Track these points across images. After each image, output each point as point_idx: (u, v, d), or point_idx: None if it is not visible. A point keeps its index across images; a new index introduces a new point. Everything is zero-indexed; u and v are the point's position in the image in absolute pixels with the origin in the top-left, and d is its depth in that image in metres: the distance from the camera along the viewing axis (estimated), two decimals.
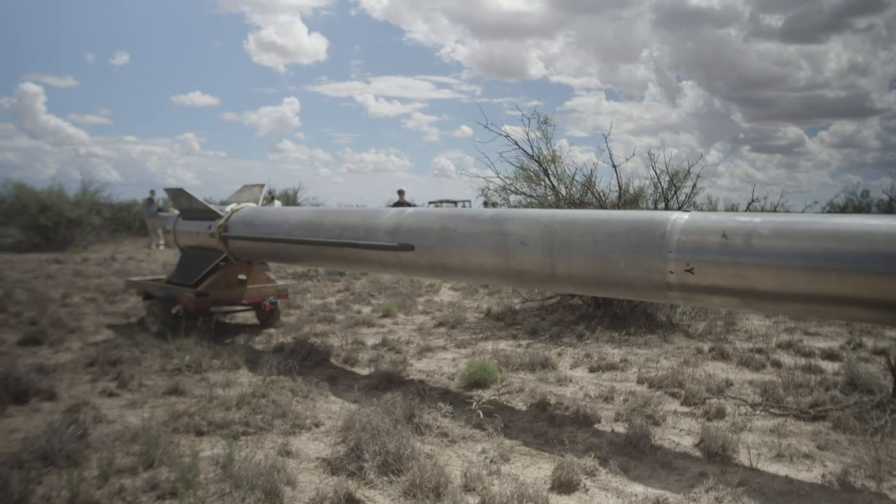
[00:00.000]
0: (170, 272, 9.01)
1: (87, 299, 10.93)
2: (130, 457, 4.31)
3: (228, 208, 8.51)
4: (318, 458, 4.45)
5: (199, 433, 4.85)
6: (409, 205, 19.14)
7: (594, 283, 5.04)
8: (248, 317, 9.61)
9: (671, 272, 4.49)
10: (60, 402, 5.54)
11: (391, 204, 19.38)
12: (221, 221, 8.29)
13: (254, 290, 8.69)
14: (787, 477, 4.26)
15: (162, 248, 21.82)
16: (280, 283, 9.50)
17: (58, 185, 22.78)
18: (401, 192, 19.44)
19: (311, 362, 6.99)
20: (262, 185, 9.56)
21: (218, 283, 8.41)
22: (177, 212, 9.35)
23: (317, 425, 5.11)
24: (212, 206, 8.63)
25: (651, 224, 4.71)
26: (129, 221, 26.01)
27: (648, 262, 4.60)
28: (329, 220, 7.01)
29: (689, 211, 4.66)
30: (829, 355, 7.65)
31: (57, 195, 22.05)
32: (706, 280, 4.37)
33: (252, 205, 8.72)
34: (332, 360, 7.21)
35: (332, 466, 4.28)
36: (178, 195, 8.97)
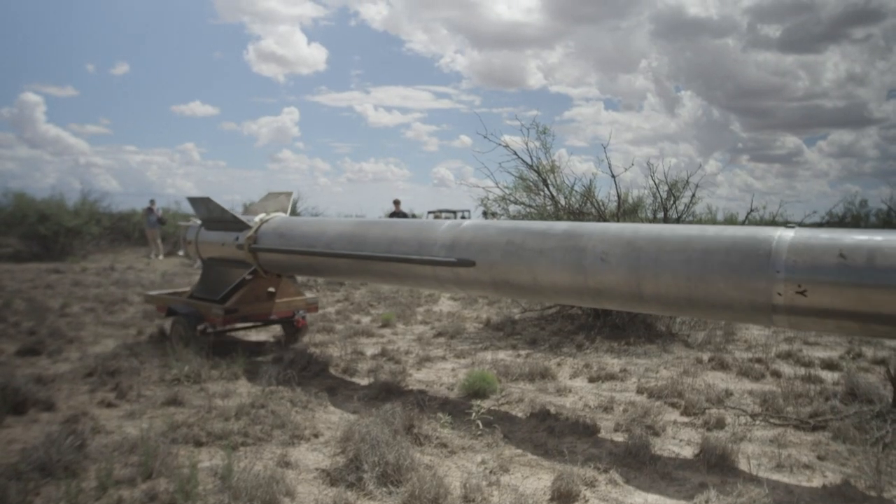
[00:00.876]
0: (193, 286, 8.51)
1: (87, 309, 10.92)
2: (129, 468, 4.30)
3: (257, 218, 8.03)
4: (317, 469, 4.44)
5: (198, 444, 4.83)
6: (405, 215, 19.13)
7: (686, 304, 4.69)
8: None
9: (779, 294, 4.21)
10: (59, 413, 5.52)
11: (387, 214, 19.37)
12: (250, 233, 7.78)
13: (283, 304, 8.23)
14: (787, 487, 4.25)
15: (161, 258, 21.82)
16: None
17: (57, 195, 22.86)
18: (397, 203, 19.43)
19: (310, 372, 6.98)
20: (289, 193, 8.94)
21: (246, 298, 7.94)
22: (198, 221, 8.88)
23: (316, 436, 5.10)
24: (240, 216, 8.13)
25: (754, 242, 4.40)
26: (128, 231, 25.99)
27: (752, 283, 4.30)
28: (375, 233, 6.56)
29: (792, 227, 4.38)
30: (829, 365, 7.65)
31: (56, 205, 22.07)
32: (821, 303, 4.10)
33: (282, 214, 8.23)
34: (332, 371, 7.20)
35: (331, 477, 4.27)
36: (201, 204, 8.44)
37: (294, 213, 32.17)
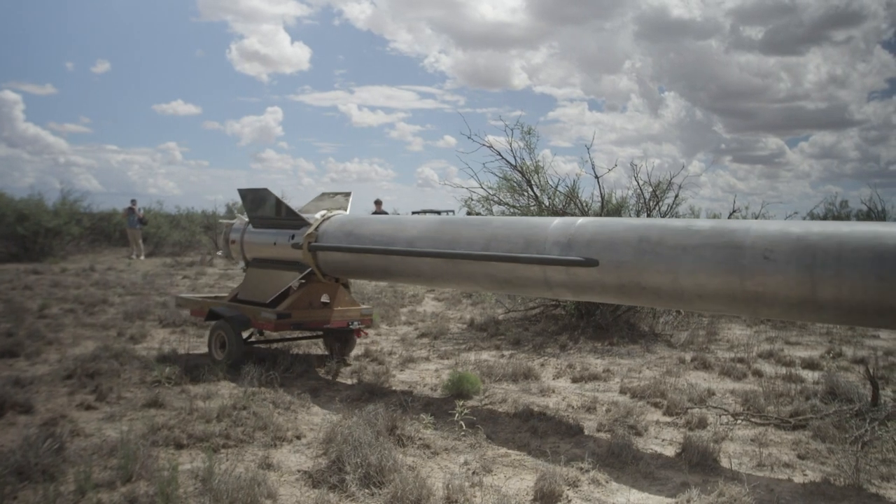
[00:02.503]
0: (234, 290, 7.86)
1: (66, 310, 10.80)
2: (108, 471, 4.24)
3: (318, 215, 7.32)
4: (299, 471, 4.41)
5: (179, 446, 4.78)
6: (386, 214, 19.05)
7: (875, 311, 4.06)
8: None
9: None
10: (37, 416, 5.44)
11: (370, 213, 19.25)
12: (310, 230, 7.10)
13: (338, 314, 7.44)
14: (768, 485, 4.28)
15: (143, 258, 21.63)
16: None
17: (36, 195, 22.58)
18: (378, 203, 19.34)
19: (292, 374, 6.93)
20: (347, 194, 8.14)
21: (299, 304, 7.24)
22: (245, 218, 8.10)
23: (298, 437, 5.07)
24: (300, 213, 7.46)
25: None
26: (109, 231, 25.75)
27: None
28: (469, 231, 5.92)
29: None
30: (810, 364, 7.72)
31: (35, 204, 21.80)
32: None
33: (343, 212, 7.56)
34: (315, 372, 7.16)
35: (313, 479, 4.24)
36: (255, 197, 7.65)
37: None
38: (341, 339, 7.86)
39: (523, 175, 10.80)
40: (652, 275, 4.78)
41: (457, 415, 5.15)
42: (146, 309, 10.47)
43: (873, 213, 21.55)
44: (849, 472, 4.38)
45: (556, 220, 5.48)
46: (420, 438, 4.94)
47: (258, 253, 7.78)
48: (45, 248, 20.97)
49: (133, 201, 22.35)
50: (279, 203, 7.47)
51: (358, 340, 8.10)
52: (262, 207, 7.62)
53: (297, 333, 7.92)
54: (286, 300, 7.20)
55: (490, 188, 11.29)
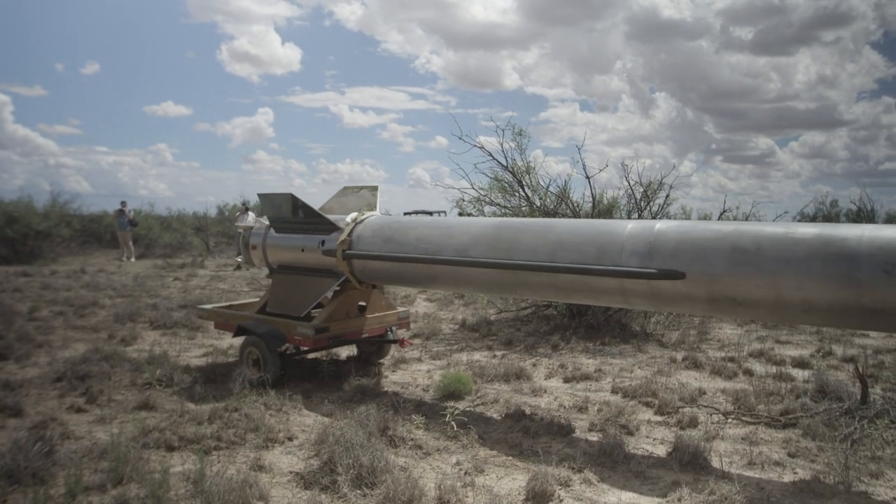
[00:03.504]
0: (261, 300, 7.36)
1: (56, 313, 10.74)
2: (99, 474, 4.23)
3: (349, 218, 6.74)
4: (291, 473, 4.41)
5: (170, 448, 4.78)
6: None
7: None
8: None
9: None
10: (27, 419, 5.42)
11: None
12: (343, 236, 6.52)
13: (375, 321, 7.03)
14: (758, 483, 4.30)
15: (133, 260, 21.53)
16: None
17: (26, 197, 22.43)
18: None
19: (284, 375, 6.92)
20: (374, 188, 7.56)
21: (337, 314, 6.77)
22: (265, 222, 7.51)
23: (290, 439, 5.07)
24: (328, 217, 6.87)
25: None
26: (99, 233, 25.61)
27: None
28: (530, 237, 5.33)
29: None
30: (800, 363, 7.76)
31: (25, 206, 21.68)
32: None
33: (377, 214, 6.99)
34: (306, 373, 7.14)
35: (305, 480, 4.24)
36: (278, 202, 7.06)
37: None
38: (375, 342, 7.45)
39: (514, 175, 10.82)
40: (749, 288, 4.31)
41: (448, 415, 5.16)
42: (137, 311, 10.43)
43: (863, 213, 21.69)
44: (838, 469, 4.41)
45: (631, 225, 4.96)
46: (412, 439, 4.94)
47: (284, 259, 7.22)
48: (35, 250, 20.86)
49: (123, 203, 22.23)
50: (305, 207, 6.86)
51: (404, 350, 7.58)
52: (286, 211, 7.01)
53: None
54: (322, 312, 6.78)
55: (481, 189, 11.30)
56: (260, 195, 7.36)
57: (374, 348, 7.56)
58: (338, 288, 6.79)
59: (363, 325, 6.89)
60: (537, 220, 5.86)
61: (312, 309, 6.82)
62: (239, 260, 7.84)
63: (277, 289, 7.13)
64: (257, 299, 8.22)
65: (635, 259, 4.71)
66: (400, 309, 7.41)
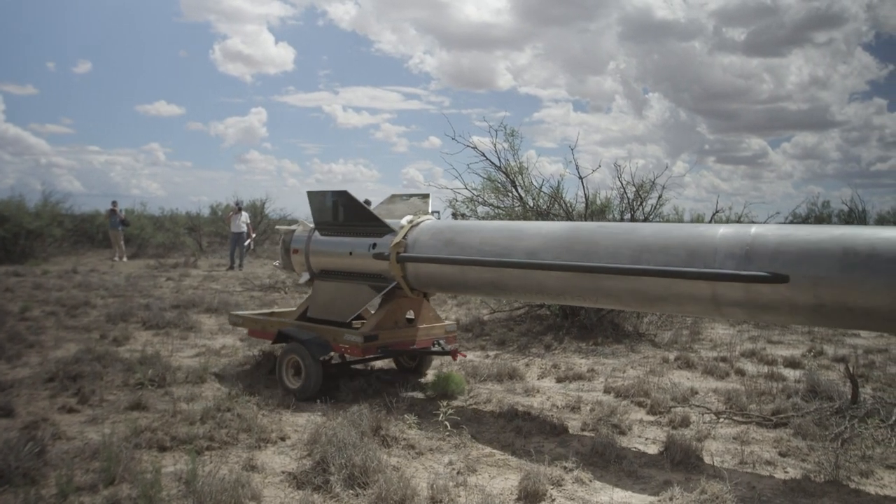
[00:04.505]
0: (300, 306, 7.00)
1: (48, 313, 10.69)
2: (90, 474, 4.21)
3: (404, 221, 6.40)
4: (283, 473, 4.40)
5: (162, 449, 4.76)
6: None
7: None
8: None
9: None
10: (18, 419, 5.39)
11: None
12: (398, 238, 6.16)
13: (423, 332, 6.59)
14: (749, 483, 4.32)
15: (125, 260, 21.46)
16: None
17: (17, 196, 22.29)
18: (367, 203, 19.17)
19: (277, 375, 6.91)
20: (425, 196, 7.22)
21: (386, 323, 6.40)
22: (309, 224, 7.11)
23: (283, 439, 5.06)
24: (383, 218, 6.52)
25: None
26: (91, 233, 25.53)
27: None
28: (610, 240, 5.00)
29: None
30: (791, 363, 7.80)
31: (16, 206, 21.56)
32: None
33: (431, 218, 6.64)
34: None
35: (297, 480, 4.24)
36: (327, 200, 6.63)
37: (262, 214, 30.95)
38: (418, 355, 7.04)
39: (507, 176, 10.84)
40: (866, 295, 3.96)
41: (441, 415, 5.15)
42: (129, 311, 10.39)
43: (854, 214, 21.81)
44: (829, 468, 4.43)
45: (724, 228, 4.66)
46: (405, 439, 4.94)
47: (328, 264, 6.84)
48: (27, 250, 20.77)
49: (114, 202, 22.16)
50: (359, 207, 6.49)
51: (455, 362, 7.14)
52: (335, 212, 6.63)
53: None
54: (370, 319, 6.44)
55: (474, 189, 11.32)
56: (309, 193, 6.82)
57: (415, 363, 7.18)
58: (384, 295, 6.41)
59: (412, 336, 6.49)
60: (617, 224, 5.59)
61: (353, 320, 6.58)
62: (277, 265, 7.22)
63: (320, 295, 6.78)
64: (289, 308, 8.04)
65: (731, 262, 4.37)
66: (447, 321, 7.02)
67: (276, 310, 7.89)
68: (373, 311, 6.69)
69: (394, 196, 7.50)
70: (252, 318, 7.25)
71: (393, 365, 7.43)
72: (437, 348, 6.62)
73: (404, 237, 6.15)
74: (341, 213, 6.62)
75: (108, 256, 22.24)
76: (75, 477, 4.09)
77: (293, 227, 7.38)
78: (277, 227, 7.84)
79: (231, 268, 19.40)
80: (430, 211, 6.86)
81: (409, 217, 6.45)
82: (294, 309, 7.59)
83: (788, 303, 4.23)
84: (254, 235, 22.01)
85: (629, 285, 4.83)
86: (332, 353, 6.37)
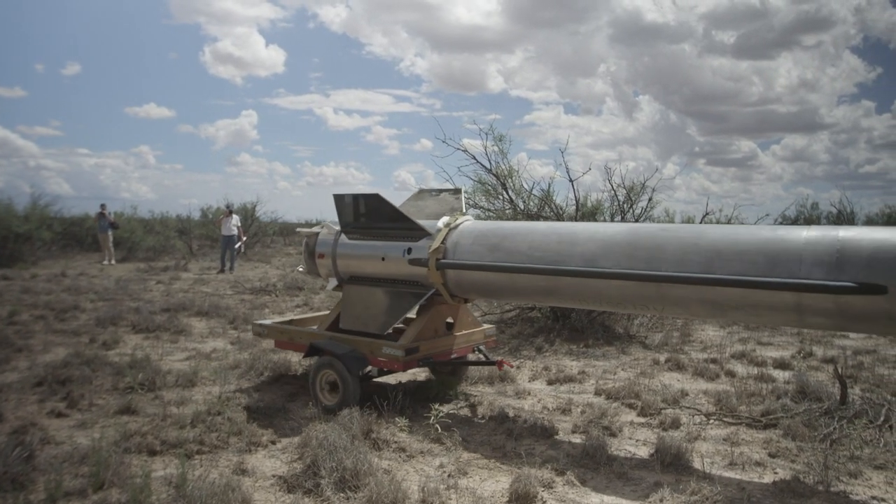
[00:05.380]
0: (333, 314, 6.53)
1: (36, 317, 10.63)
2: (79, 479, 4.20)
3: (441, 223, 5.94)
4: (274, 476, 4.39)
5: (152, 453, 4.74)
6: None
7: None
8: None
9: None
10: (6, 424, 5.36)
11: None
12: (437, 242, 5.73)
13: (463, 339, 6.29)
14: (739, 484, 4.34)
15: (114, 263, 21.34)
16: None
17: (6, 199, 22.15)
18: None
19: (268, 378, 6.90)
20: (457, 191, 6.83)
21: (426, 332, 6.04)
22: (334, 227, 6.63)
23: (273, 442, 5.05)
24: (417, 221, 6.04)
25: None
26: (81, 236, 25.39)
27: None
28: (676, 244, 4.62)
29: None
30: (781, 364, 7.84)
31: (5, 209, 21.41)
32: None
33: (469, 218, 6.19)
34: (290, 376, 7.12)
35: (288, 484, 4.23)
36: (356, 203, 6.22)
37: (253, 217, 30.81)
38: (461, 364, 6.71)
39: (498, 178, 10.85)
40: None
41: (432, 418, 5.16)
42: (119, 315, 10.33)
43: (843, 216, 21.94)
44: (818, 469, 4.46)
45: (807, 231, 4.29)
46: (395, 442, 4.94)
47: (358, 269, 6.39)
48: (15, 253, 20.61)
49: (103, 205, 22.02)
50: (392, 209, 6.07)
51: (501, 372, 6.77)
52: (365, 215, 6.23)
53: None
54: (409, 329, 6.03)
55: (465, 192, 11.32)
56: (335, 196, 6.33)
57: (449, 369, 6.81)
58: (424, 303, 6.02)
59: (452, 345, 6.16)
60: (682, 226, 5.13)
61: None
62: (300, 269, 7.19)
63: (351, 303, 6.29)
64: (314, 314, 7.84)
65: (818, 270, 4.03)
66: (486, 326, 6.70)
67: (301, 316, 7.53)
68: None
69: (422, 191, 7.11)
70: (278, 329, 6.78)
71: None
72: (477, 356, 6.34)
73: (443, 241, 5.75)
74: (371, 215, 6.19)
75: (98, 260, 22.11)
76: (64, 482, 4.07)
77: (315, 229, 6.95)
78: (298, 229, 7.37)
79: (222, 271, 19.33)
80: (464, 209, 6.39)
81: (445, 219, 6.01)
82: (318, 314, 7.44)
83: (885, 315, 3.93)
84: (244, 238, 21.95)
85: (700, 294, 4.48)
86: (371, 367, 5.97)
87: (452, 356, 6.20)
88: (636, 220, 10.57)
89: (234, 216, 20.26)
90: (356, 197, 6.24)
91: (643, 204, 10.75)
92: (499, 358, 6.34)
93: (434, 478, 4.29)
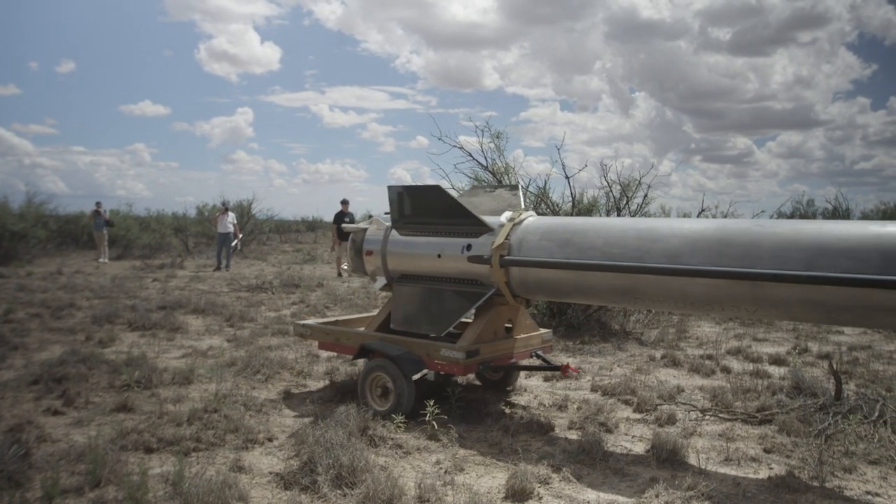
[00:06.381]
0: (382, 314, 6.27)
1: (32, 315, 10.61)
2: (76, 476, 4.19)
3: (504, 218, 5.60)
4: (271, 473, 4.40)
5: (149, 450, 4.74)
6: (351, 217, 18.61)
7: None
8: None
9: None
10: (2, 422, 5.35)
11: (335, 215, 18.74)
12: (500, 238, 5.37)
13: (522, 343, 5.98)
14: (734, 479, 4.35)
15: (106, 261, 21.28)
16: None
17: (1, 197, 22.12)
18: (345, 203, 18.85)
19: (264, 375, 6.90)
20: (514, 187, 6.42)
21: (486, 335, 5.71)
22: (385, 222, 6.29)
23: (270, 440, 5.05)
24: (479, 216, 5.65)
25: None
26: (76, 234, 25.35)
27: None
28: (772, 240, 4.18)
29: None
30: (776, 360, 7.87)
31: (0, 207, 21.38)
32: None
33: (533, 214, 5.76)
34: (287, 373, 7.13)
35: (285, 481, 4.24)
36: (411, 195, 5.97)
37: (249, 215, 30.72)
38: (520, 369, 6.36)
39: (494, 176, 10.86)
40: None
41: (428, 414, 5.17)
42: (115, 312, 10.32)
43: (839, 212, 22.01)
44: (812, 464, 4.48)
45: None
46: (392, 438, 4.95)
47: (410, 267, 6.03)
48: (11, 251, 20.56)
49: (98, 203, 21.98)
50: (452, 203, 5.69)
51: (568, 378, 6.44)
52: (420, 208, 5.93)
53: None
54: (468, 331, 5.69)
55: (462, 189, 11.33)
56: (389, 188, 6.05)
57: (500, 374, 6.46)
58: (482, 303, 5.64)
59: (513, 349, 5.88)
60: (777, 221, 4.85)
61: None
62: (345, 268, 7.04)
63: (403, 303, 5.99)
64: (358, 314, 7.65)
65: None
66: (543, 330, 6.33)
67: (345, 317, 7.20)
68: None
69: (475, 188, 6.68)
70: (323, 330, 6.44)
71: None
72: (536, 360, 6.05)
73: (507, 237, 5.43)
74: (428, 209, 5.88)
75: (93, 258, 22.08)
76: (61, 479, 4.07)
77: (363, 224, 6.63)
78: (344, 226, 6.99)
79: (218, 268, 19.31)
80: (522, 204, 5.98)
81: (508, 213, 5.65)
82: (362, 315, 7.22)
83: None
84: (241, 236, 21.92)
85: (802, 295, 4.07)
86: (427, 371, 5.62)
87: (512, 361, 5.90)
88: (632, 217, 10.59)
89: (230, 214, 20.23)
90: (413, 189, 6.01)
91: (638, 201, 10.79)
92: (564, 362, 5.98)
93: (430, 474, 4.30)
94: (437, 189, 5.79)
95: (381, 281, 6.27)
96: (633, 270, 4.67)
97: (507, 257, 5.31)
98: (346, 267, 6.77)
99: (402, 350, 5.64)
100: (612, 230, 5.01)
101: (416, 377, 5.56)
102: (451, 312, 5.62)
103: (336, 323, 6.77)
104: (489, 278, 5.48)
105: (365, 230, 6.45)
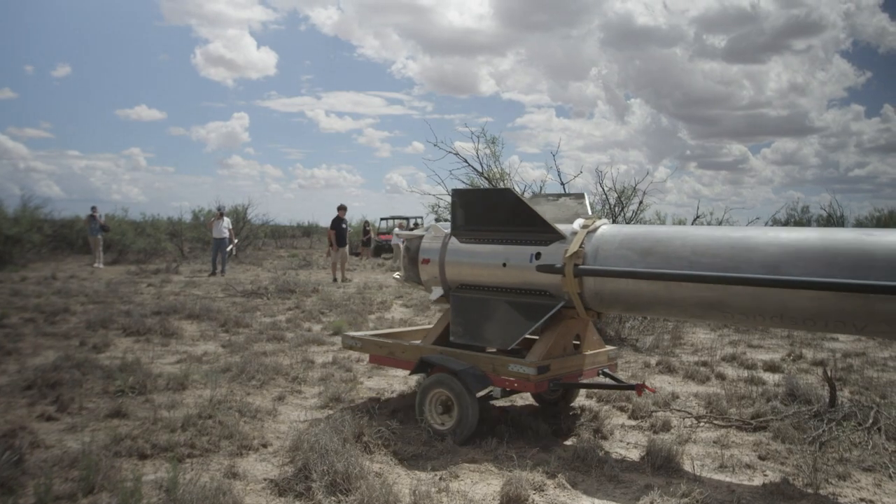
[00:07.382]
0: (438, 326, 5.97)
1: (26, 320, 10.57)
2: (69, 483, 4.18)
3: (577, 225, 5.26)
4: (265, 480, 4.38)
5: (143, 456, 4.72)
6: (345, 224, 18.61)
7: None
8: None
9: None
10: None
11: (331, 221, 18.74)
12: (575, 246, 5.00)
13: (590, 360, 5.62)
14: (729, 486, 4.36)
15: (101, 266, 21.22)
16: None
17: None
18: (342, 209, 18.82)
19: (259, 381, 6.88)
20: (579, 195, 6.05)
21: (555, 350, 5.36)
22: (444, 229, 5.92)
23: (264, 446, 5.04)
24: (552, 223, 5.26)
25: None
26: (71, 239, 25.30)
27: None
28: (890, 248, 3.80)
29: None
30: (771, 367, 7.89)
31: None
32: None
33: (607, 222, 5.38)
34: (281, 379, 7.11)
35: (279, 487, 4.22)
36: (479, 199, 5.72)
37: (244, 220, 30.72)
38: (594, 387, 5.99)
39: (490, 182, 10.88)
40: None
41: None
42: (109, 317, 10.29)
43: (833, 219, 22.11)
44: (807, 471, 4.49)
45: None
46: (387, 445, 4.94)
47: (472, 277, 5.65)
48: (5, 255, 20.52)
49: (94, 208, 21.95)
50: (523, 209, 5.30)
51: (640, 398, 6.01)
52: (485, 215, 5.58)
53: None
54: (537, 346, 5.31)
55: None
56: (454, 191, 5.74)
57: (558, 395, 6.12)
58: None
59: (583, 365, 5.53)
60: (885, 230, 4.26)
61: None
62: (397, 277, 6.43)
63: (463, 315, 5.63)
64: (410, 327, 7.47)
65: None
66: (609, 347, 5.98)
67: (397, 329, 6.89)
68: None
69: (536, 196, 6.46)
70: (376, 342, 6.08)
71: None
72: (604, 378, 5.76)
73: (581, 245, 5.06)
74: (493, 215, 5.52)
75: (88, 262, 22.02)
76: (54, 486, 4.05)
77: (419, 231, 6.31)
78: (396, 231, 6.63)
79: (213, 273, 19.28)
80: (589, 213, 5.68)
81: (580, 220, 5.32)
82: (415, 328, 6.94)
83: None
84: (236, 241, 21.90)
85: None
86: (493, 388, 5.30)
87: (580, 378, 5.53)
88: (627, 223, 10.62)
89: (226, 219, 20.22)
90: (480, 193, 5.50)
91: (634, 207, 10.81)
92: (639, 382, 5.65)
93: (425, 481, 4.29)
94: (507, 192, 5.48)
95: (438, 291, 5.91)
96: (727, 282, 4.30)
97: (581, 266, 4.97)
98: (397, 276, 6.47)
99: (465, 364, 5.30)
100: (700, 238, 4.66)
101: (480, 394, 5.29)
102: (518, 325, 5.26)
103: (388, 336, 6.44)
104: (560, 289, 5.10)
105: (421, 237, 6.11)
